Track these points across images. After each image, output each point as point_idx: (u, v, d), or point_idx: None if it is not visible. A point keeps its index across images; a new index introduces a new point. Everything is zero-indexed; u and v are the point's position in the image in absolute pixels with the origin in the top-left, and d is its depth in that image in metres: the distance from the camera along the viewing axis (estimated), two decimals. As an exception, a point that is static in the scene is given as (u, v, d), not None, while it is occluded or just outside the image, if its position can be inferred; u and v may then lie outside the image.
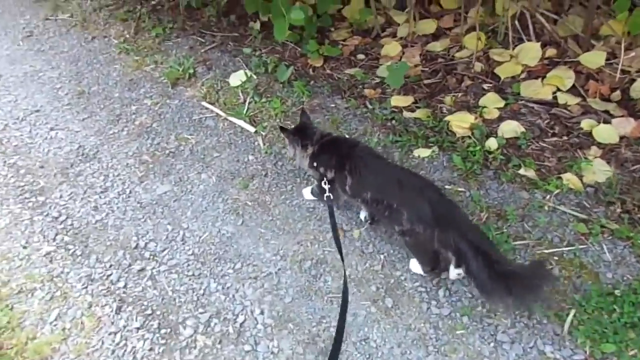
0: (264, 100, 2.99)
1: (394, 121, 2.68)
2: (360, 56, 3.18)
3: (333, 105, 2.88)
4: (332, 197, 2.07)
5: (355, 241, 2.23)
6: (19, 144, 3.10)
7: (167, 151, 2.88)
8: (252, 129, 2.85)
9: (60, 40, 4.08)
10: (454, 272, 1.91)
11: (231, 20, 3.73)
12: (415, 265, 2.05)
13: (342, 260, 1.89)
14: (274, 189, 2.54)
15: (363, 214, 2.27)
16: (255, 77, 3.17)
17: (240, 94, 3.09)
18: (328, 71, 3.13)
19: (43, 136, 3.14)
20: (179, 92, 3.29)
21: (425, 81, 2.88)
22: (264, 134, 2.82)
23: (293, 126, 2.32)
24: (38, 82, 3.66)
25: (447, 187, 2.32)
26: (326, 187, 2.06)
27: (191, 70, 3.34)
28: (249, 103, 3.00)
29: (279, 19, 3.08)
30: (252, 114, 2.96)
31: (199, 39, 3.67)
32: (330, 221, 1.99)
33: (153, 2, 4.21)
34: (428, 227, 1.78)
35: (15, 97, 3.54)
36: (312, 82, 3.06)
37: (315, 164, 2.12)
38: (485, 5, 2.97)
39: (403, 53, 3.09)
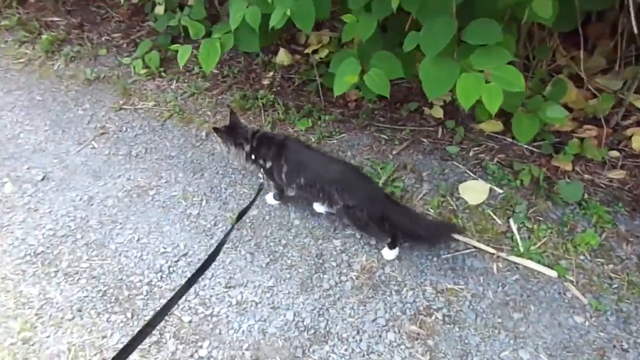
0: (544, 228, 2.27)
1: None
2: (614, 153, 2.58)
3: (655, 235, 2.24)
4: (266, 184, 2.41)
5: None
6: (200, 323, 2.10)
7: (439, 314, 2.05)
8: (552, 274, 2.11)
9: (158, 140, 3.06)
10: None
11: (409, 108, 2.97)
12: (387, 253, 2.26)
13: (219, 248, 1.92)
14: (654, 373, 1.82)
15: (321, 208, 2.40)
16: (498, 189, 2.46)
17: (496, 218, 2.35)
18: (587, 176, 2.50)
19: (225, 301, 2.17)
20: (394, 215, 2.48)
21: None
22: (574, 280, 2.09)
23: (224, 125, 2.40)
24: (155, 206, 2.64)
25: None
26: (262, 175, 2.36)
27: (399, 184, 2.54)
28: (520, 231, 2.27)
29: (526, 117, 2.42)
30: (537, 249, 2.22)
31: (380, 135, 2.87)
32: (253, 198, 2.26)
33: (265, 82, 3.35)
34: (359, 202, 2.11)
35: (135, 233, 2.51)
36: (584, 195, 2.40)
37: (253, 157, 2.33)
38: None
39: (668, 147, 2.54)
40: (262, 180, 2.37)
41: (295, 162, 2.21)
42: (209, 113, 3.20)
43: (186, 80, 3.47)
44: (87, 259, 2.41)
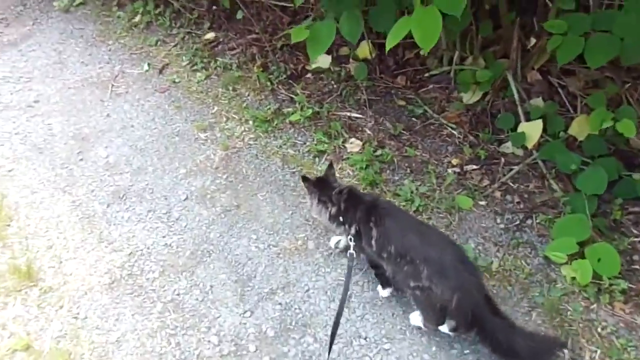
0: None
1: None
2: None
3: None
4: (355, 255, 1.95)
5: None
6: None
7: None
8: None
9: None
10: (446, 328, 1.85)
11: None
12: (416, 319, 1.90)
13: (332, 342, 1.73)
14: None
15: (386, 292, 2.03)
16: None
17: None
18: None
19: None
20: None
21: None
22: None
23: (316, 176, 2.16)
24: None
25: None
26: (351, 243, 1.95)
27: None
28: None
29: None
30: None
31: None
32: (345, 281, 1.87)
33: None
34: (448, 290, 1.69)
35: None
36: None
37: (341, 219, 2.01)
38: None
39: None
40: (351, 251, 1.93)
41: (386, 226, 1.85)
42: None
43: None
44: None
